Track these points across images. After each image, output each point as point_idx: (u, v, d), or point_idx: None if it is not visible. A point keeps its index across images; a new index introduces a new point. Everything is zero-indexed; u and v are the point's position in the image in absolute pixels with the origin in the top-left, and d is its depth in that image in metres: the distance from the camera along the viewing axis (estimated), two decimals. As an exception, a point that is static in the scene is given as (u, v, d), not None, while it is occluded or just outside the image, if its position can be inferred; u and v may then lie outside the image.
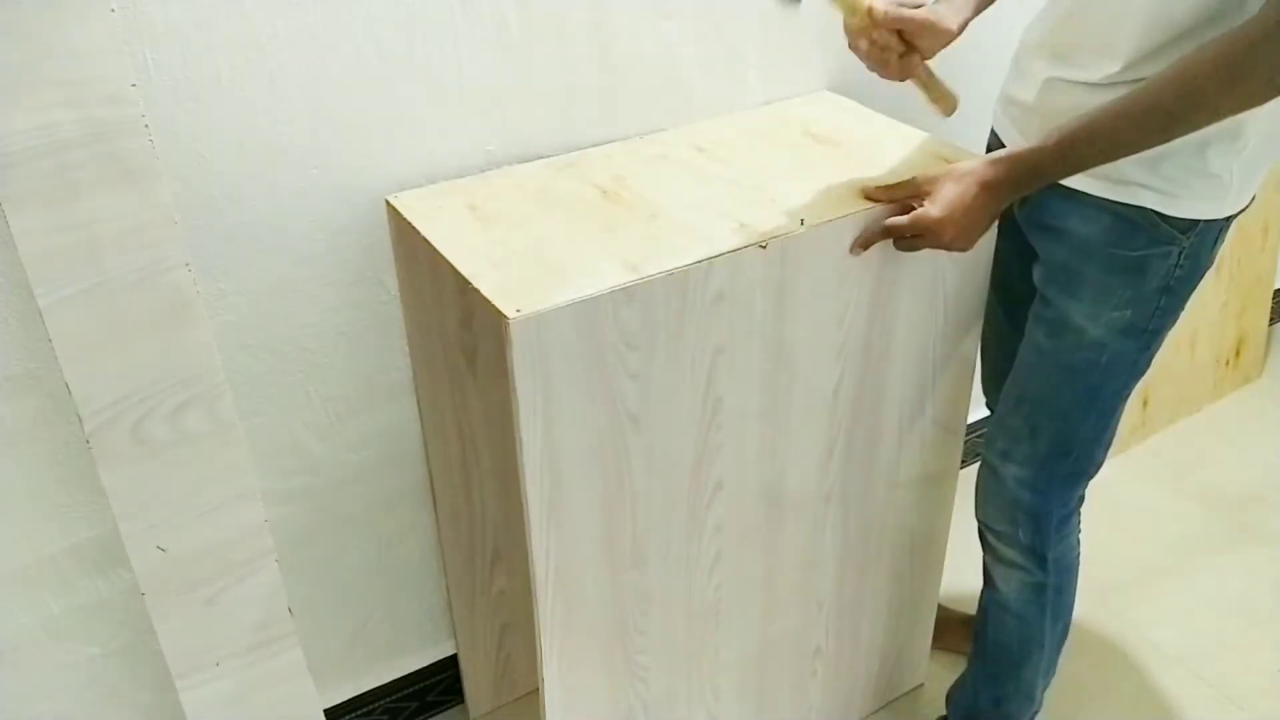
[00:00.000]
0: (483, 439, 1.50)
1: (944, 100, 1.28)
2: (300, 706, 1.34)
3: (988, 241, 1.35)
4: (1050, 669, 1.58)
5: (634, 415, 1.15)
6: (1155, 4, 1.09)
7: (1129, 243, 1.22)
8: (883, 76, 1.27)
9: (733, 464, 1.28)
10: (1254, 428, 2.40)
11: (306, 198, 1.25)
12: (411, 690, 1.69)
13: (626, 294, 1.08)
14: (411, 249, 1.30)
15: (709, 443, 1.24)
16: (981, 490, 1.47)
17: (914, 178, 1.22)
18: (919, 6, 1.25)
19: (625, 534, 1.22)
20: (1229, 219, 1.23)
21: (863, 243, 1.23)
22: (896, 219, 1.21)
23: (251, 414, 1.33)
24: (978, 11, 1.30)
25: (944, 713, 1.69)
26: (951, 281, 1.35)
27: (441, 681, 1.71)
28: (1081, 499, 1.45)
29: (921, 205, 1.19)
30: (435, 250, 1.17)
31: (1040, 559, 1.44)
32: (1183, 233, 1.20)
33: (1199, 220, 1.20)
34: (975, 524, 1.51)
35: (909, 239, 1.22)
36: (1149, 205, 1.19)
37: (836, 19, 1.25)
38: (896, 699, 1.77)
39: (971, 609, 1.65)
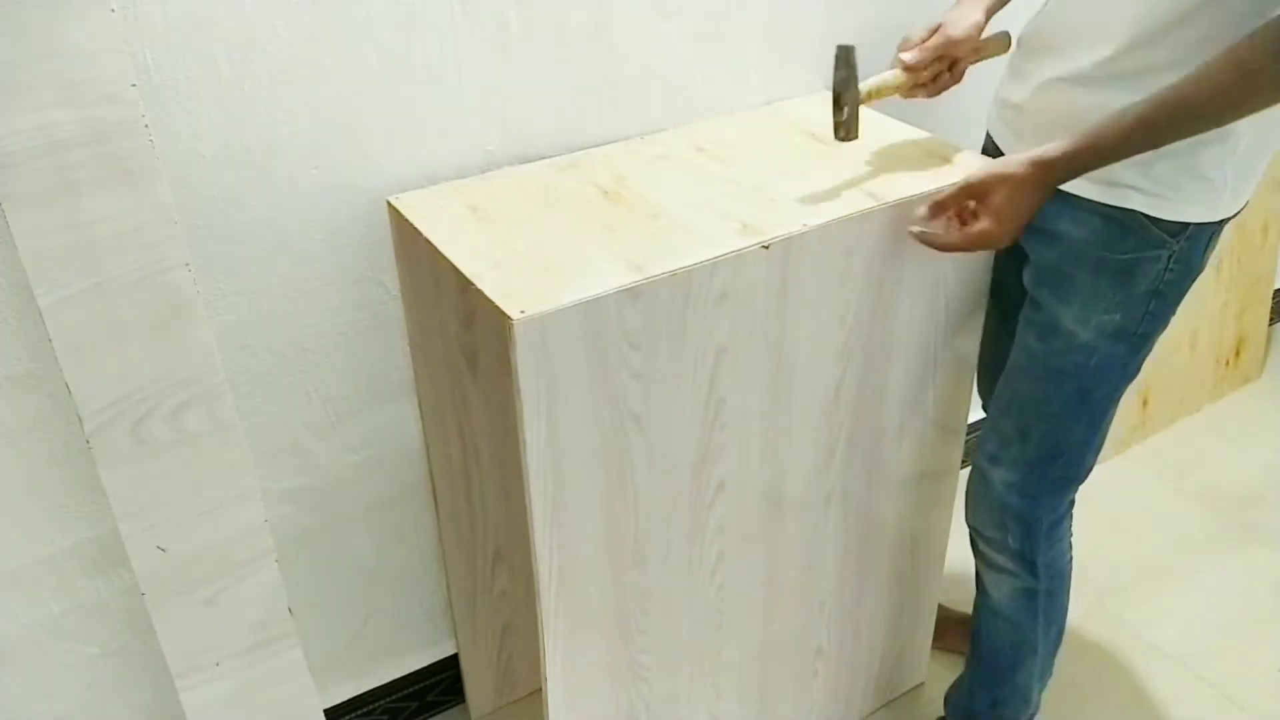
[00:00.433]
0: (483, 439, 1.50)
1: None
2: (300, 706, 1.33)
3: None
4: (1045, 672, 1.58)
5: (637, 415, 1.15)
6: None
7: (1118, 245, 1.21)
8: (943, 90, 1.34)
9: (735, 464, 1.28)
10: (1254, 428, 2.40)
11: (306, 198, 1.25)
12: (412, 690, 1.69)
13: (631, 294, 1.08)
14: (412, 249, 1.30)
15: (711, 443, 1.24)
16: (971, 495, 1.47)
17: (963, 185, 1.19)
18: (937, 27, 1.29)
19: (627, 534, 1.22)
20: (1221, 222, 1.22)
21: (922, 239, 1.22)
22: (953, 238, 1.20)
23: (251, 414, 1.33)
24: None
25: (943, 714, 1.69)
26: (952, 282, 1.35)
27: (442, 681, 1.71)
28: (1071, 504, 1.44)
29: (973, 212, 1.19)
30: (437, 251, 1.17)
31: (1030, 564, 1.44)
32: (1173, 236, 1.20)
33: (1190, 223, 1.19)
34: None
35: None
36: (1138, 208, 1.19)
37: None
38: (897, 698, 1.77)
39: (971, 608, 1.65)
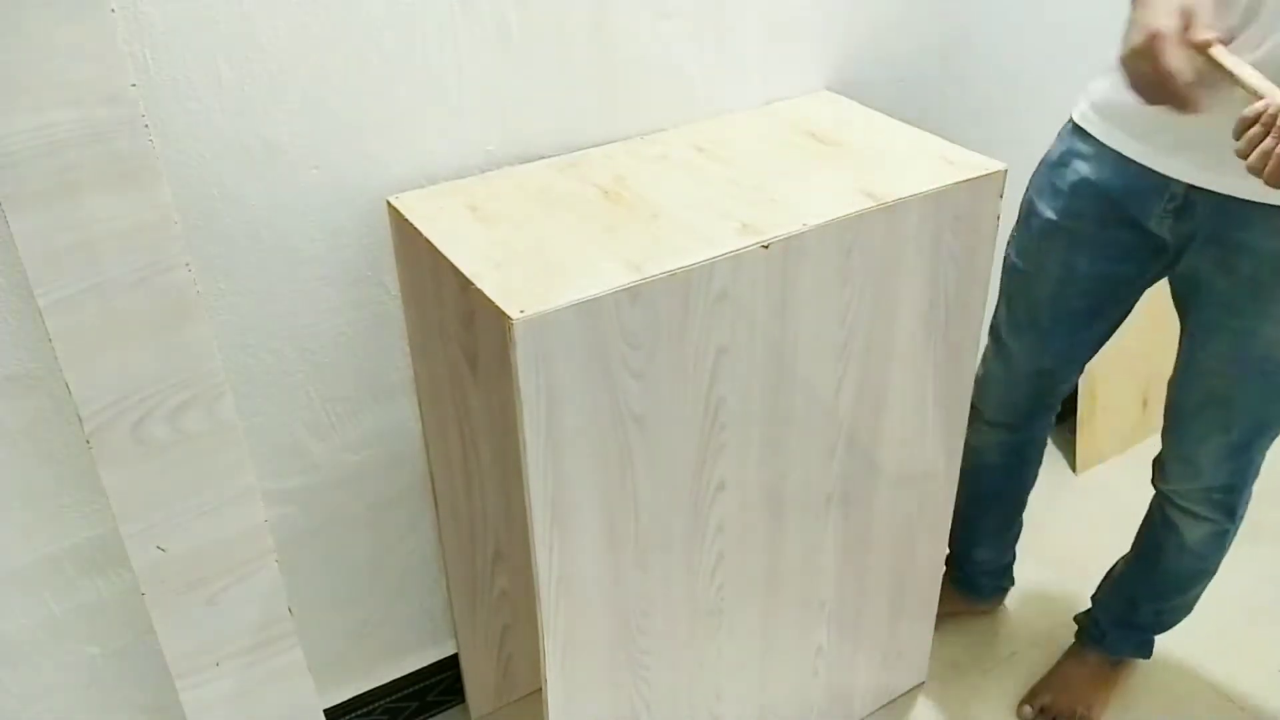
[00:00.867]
0: (483, 439, 1.50)
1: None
2: (300, 706, 1.33)
3: (988, 242, 1.35)
4: None
5: (637, 415, 1.15)
6: None
7: None
8: None
9: (735, 464, 1.28)
10: (1254, 427, 2.40)
11: (306, 198, 1.25)
12: (412, 690, 1.69)
13: (630, 294, 1.08)
14: (412, 249, 1.30)
15: (711, 442, 1.24)
16: (1174, 471, 1.54)
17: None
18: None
19: (628, 534, 1.22)
20: None
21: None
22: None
23: (251, 414, 1.33)
24: None
25: (1085, 609, 1.79)
26: (953, 281, 1.35)
27: (442, 681, 1.71)
28: None
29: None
30: (437, 251, 1.17)
31: (1231, 513, 1.54)
32: None
33: None
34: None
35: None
36: None
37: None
38: (897, 698, 1.78)
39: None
